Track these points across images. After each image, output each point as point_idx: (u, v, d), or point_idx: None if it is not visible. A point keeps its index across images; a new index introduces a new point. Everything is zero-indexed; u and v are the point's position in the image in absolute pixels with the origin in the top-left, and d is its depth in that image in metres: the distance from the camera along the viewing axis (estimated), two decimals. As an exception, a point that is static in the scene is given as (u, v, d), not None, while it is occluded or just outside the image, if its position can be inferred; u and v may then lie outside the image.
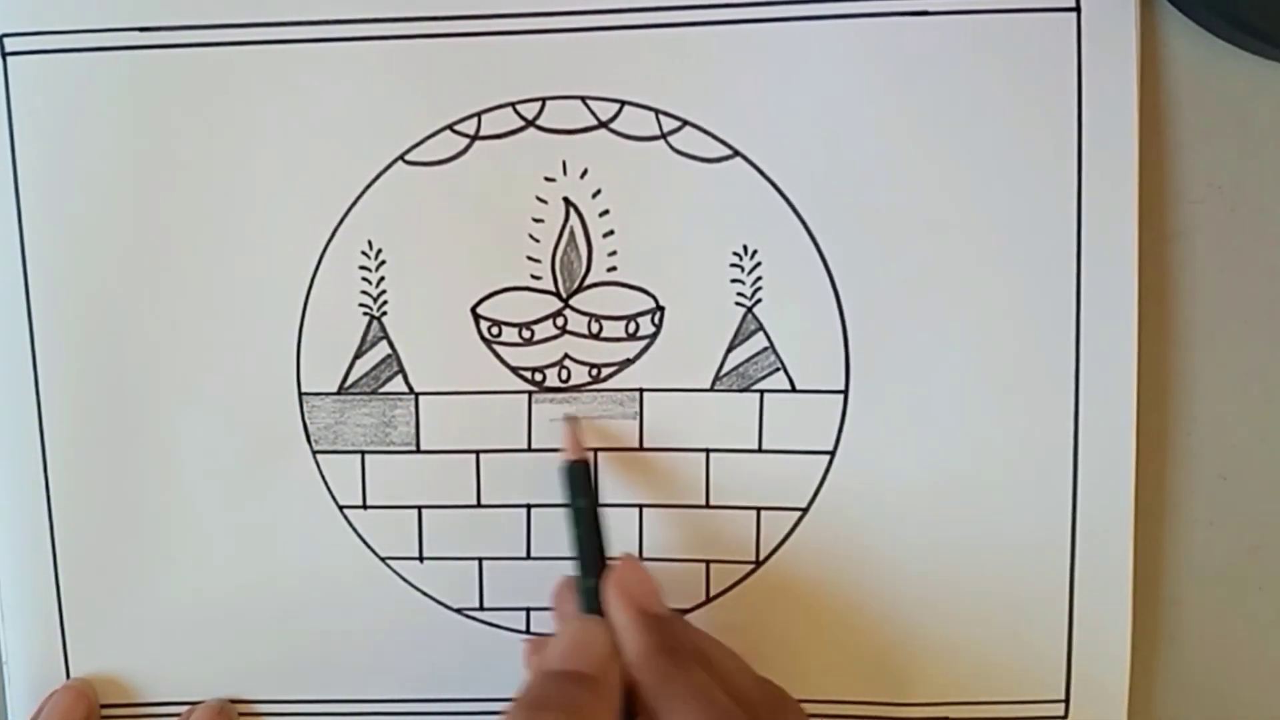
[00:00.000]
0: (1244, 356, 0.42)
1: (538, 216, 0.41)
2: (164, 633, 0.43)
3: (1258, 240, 0.41)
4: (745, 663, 0.37)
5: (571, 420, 0.42)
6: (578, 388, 0.42)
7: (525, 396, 0.42)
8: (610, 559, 0.39)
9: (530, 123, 0.41)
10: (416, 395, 0.42)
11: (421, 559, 0.43)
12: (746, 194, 0.41)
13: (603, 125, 0.41)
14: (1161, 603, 0.43)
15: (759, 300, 0.41)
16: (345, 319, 0.42)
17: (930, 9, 0.40)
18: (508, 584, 0.43)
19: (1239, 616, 0.43)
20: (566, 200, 0.41)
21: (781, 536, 0.42)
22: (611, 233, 0.41)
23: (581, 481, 0.40)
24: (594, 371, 0.42)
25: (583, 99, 0.41)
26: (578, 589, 0.39)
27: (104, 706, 0.43)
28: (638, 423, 0.42)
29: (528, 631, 0.43)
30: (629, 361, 0.42)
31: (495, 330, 0.42)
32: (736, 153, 0.41)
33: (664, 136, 0.41)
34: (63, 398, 0.42)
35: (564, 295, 0.42)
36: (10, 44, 0.41)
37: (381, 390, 0.42)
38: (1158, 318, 0.41)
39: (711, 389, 0.42)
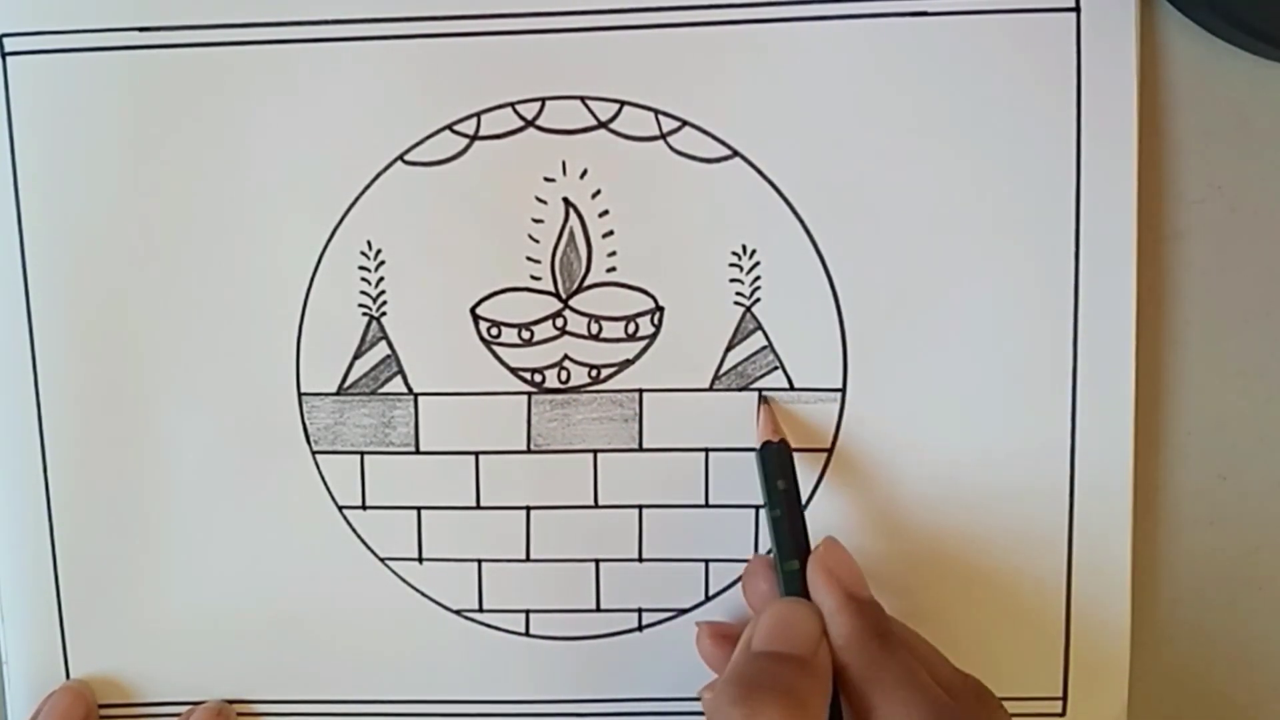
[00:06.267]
0: (1244, 357, 0.42)
1: (537, 217, 0.41)
2: (163, 633, 0.43)
3: (1258, 240, 0.41)
4: (943, 654, 0.37)
5: (767, 401, 0.42)
6: (577, 389, 0.42)
7: (525, 398, 0.42)
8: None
9: (530, 123, 0.41)
10: (416, 396, 0.42)
11: (421, 560, 0.43)
12: (745, 194, 0.41)
13: (602, 125, 0.41)
14: (1161, 602, 0.43)
15: (758, 300, 0.41)
16: (344, 319, 0.42)
17: (930, 9, 0.40)
18: (507, 585, 0.43)
19: (1239, 616, 0.43)
20: (566, 200, 0.41)
21: (781, 536, 0.42)
22: (611, 233, 0.41)
23: (780, 463, 0.39)
24: (594, 372, 0.42)
25: (582, 99, 0.41)
26: (777, 571, 0.38)
27: (103, 707, 0.43)
28: (637, 423, 0.42)
29: (527, 633, 0.43)
30: (629, 362, 0.42)
31: (495, 331, 0.42)
32: (736, 153, 0.41)
33: (663, 137, 0.41)
34: (63, 398, 0.42)
35: (563, 296, 0.42)
36: (10, 44, 0.41)
37: (381, 391, 0.42)
38: (1156, 318, 0.41)
39: (710, 388, 0.42)
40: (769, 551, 0.41)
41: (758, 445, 0.40)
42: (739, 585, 0.42)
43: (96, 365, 0.42)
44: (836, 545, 0.38)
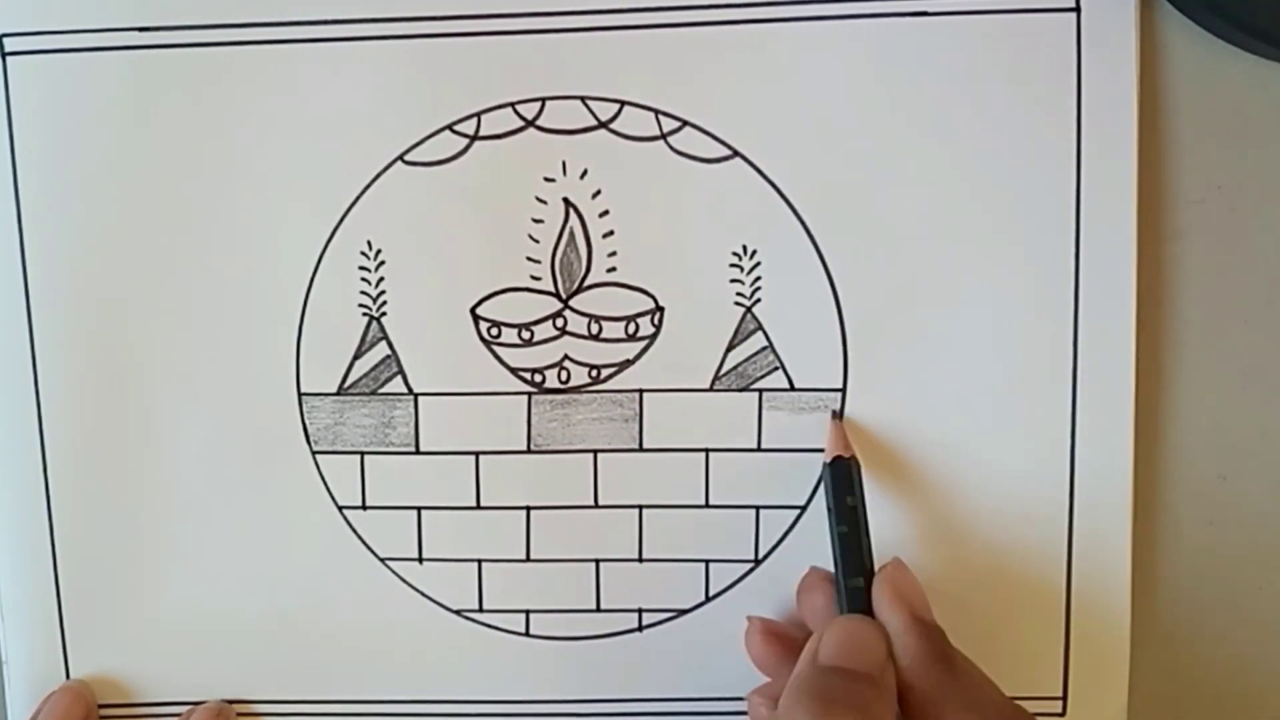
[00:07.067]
0: (1243, 357, 0.42)
1: (537, 217, 0.41)
2: (163, 633, 0.43)
3: (1258, 240, 0.41)
4: (994, 682, 0.37)
5: (838, 416, 0.41)
6: (577, 389, 0.42)
7: (525, 398, 0.42)
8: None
9: (530, 123, 0.41)
10: (416, 396, 0.42)
11: (421, 560, 0.43)
12: (746, 194, 0.41)
13: (602, 125, 0.41)
14: (1161, 602, 0.42)
15: (758, 300, 0.41)
16: (345, 319, 0.42)
17: (930, 9, 0.40)
18: (507, 586, 0.43)
19: (1239, 616, 0.43)
20: (566, 201, 0.41)
21: (780, 535, 0.42)
22: (611, 233, 0.41)
23: (849, 479, 0.39)
24: (594, 373, 0.42)
25: (583, 99, 0.41)
26: (838, 586, 0.38)
27: (103, 707, 0.43)
28: (637, 423, 0.42)
29: (527, 633, 0.43)
30: (629, 362, 0.42)
31: (495, 331, 0.42)
32: (736, 153, 0.41)
33: (664, 137, 0.41)
34: (63, 398, 0.42)
35: (564, 296, 0.42)
36: (10, 44, 0.41)
37: (381, 391, 0.42)
38: (1156, 318, 0.41)
39: (711, 389, 0.42)
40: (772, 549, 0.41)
41: (827, 460, 0.40)
42: (739, 587, 0.42)
43: (96, 365, 0.42)
44: (903, 566, 0.38)
